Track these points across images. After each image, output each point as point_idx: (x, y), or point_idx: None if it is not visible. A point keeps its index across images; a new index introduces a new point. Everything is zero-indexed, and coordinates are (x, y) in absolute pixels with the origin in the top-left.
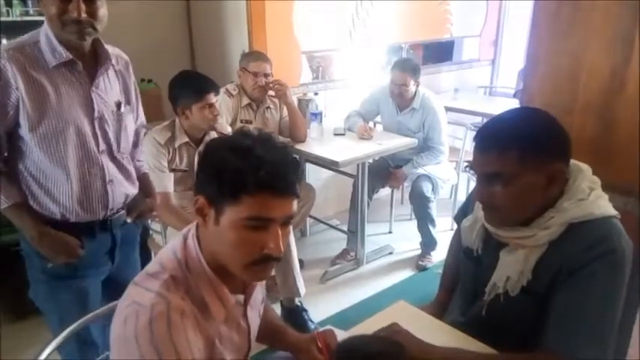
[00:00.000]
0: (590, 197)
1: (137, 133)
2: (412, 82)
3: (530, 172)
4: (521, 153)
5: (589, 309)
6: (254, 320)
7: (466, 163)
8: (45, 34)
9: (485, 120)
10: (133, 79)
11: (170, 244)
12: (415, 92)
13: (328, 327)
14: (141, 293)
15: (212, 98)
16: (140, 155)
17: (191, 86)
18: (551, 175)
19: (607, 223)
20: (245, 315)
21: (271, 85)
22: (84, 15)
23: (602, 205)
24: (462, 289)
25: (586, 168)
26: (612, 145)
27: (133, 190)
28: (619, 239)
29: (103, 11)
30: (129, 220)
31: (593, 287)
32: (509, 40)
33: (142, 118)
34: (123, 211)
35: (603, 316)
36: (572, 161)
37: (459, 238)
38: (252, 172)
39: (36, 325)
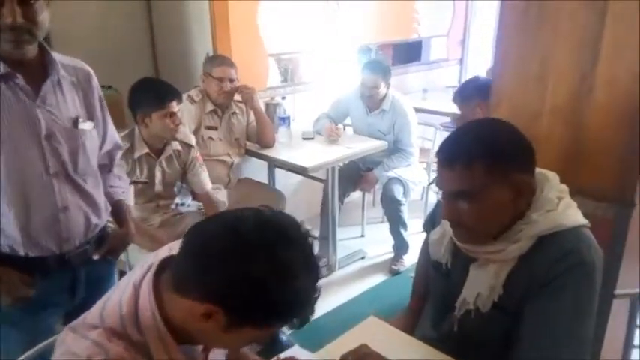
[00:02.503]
0: (559, 208)
1: (110, 156)
2: (383, 84)
3: (496, 186)
4: (487, 166)
5: (560, 322)
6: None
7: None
8: None
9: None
10: (97, 93)
11: (118, 292)
12: (385, 94)
13: (295, 346)
14: (77, 341)
15: (174, 107)
16: (114, 181)
17: (152, 93)
18: (518, 188)
19: (576, 234)
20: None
21: (238, 88)
22: (20, 20)
23: (571, 215)
24: (432, 301)
25: (552, 176)
26: (581, 150)
27: (97, 219)
28: (588, 250)
29: (43, 15)
30: (95, 257)
31: (564, 300)
32: (477, 39)
33: (116, 138)
34: (88, 246)
35: (576, 328)
36: (538, 170)
37: (427, 248)
38: (294, 314)
39: None
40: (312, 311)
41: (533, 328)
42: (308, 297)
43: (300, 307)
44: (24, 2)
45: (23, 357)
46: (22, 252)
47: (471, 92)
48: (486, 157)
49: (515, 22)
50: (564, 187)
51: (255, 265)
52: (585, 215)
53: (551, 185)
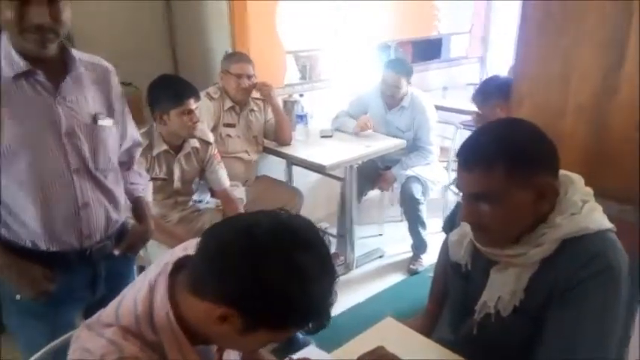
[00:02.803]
0: (584, 211)
1: (130, 153)
2: (405, 83)
3: (518, 189)
4: (508, 168)
5: (585, 329)
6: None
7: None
8: (2, 44)
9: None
10: (117, 90)
11: (133, 291)
12: (406, 91)
13: (311, 346)
14: (92, 338)
15: (191, 104)
16: (135, 178)
17: (170, 91)
18: (541, 190)
19: (602, 238)
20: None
21: (256, 85)
22: (47, 20)
23: (597, 219)
24: (451, 304)
25: (577, 178)
26: (606, 150)
27: (117, 215)
28: (614, 255)
29: (66, 14)
30: (115, 253)
31: (589, 306)
32: (499, 36)
33: (136, 135)
34: (108, 241)
35: (600, 335)
36: (562, 172)
37: (447, 249)
38: (309, 318)
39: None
40: (328, 316)
41: (556, 333)
42: (324, 302)
43: (316, 312)
44: (50, 2)
45: (45, 350)
46: (43, 247)
47: (490, 92)
48: (507, 159)
49: (537, 19)
50: (589, 190)
51: (271, 269)
52: (609, 218)
53: (576, 188)
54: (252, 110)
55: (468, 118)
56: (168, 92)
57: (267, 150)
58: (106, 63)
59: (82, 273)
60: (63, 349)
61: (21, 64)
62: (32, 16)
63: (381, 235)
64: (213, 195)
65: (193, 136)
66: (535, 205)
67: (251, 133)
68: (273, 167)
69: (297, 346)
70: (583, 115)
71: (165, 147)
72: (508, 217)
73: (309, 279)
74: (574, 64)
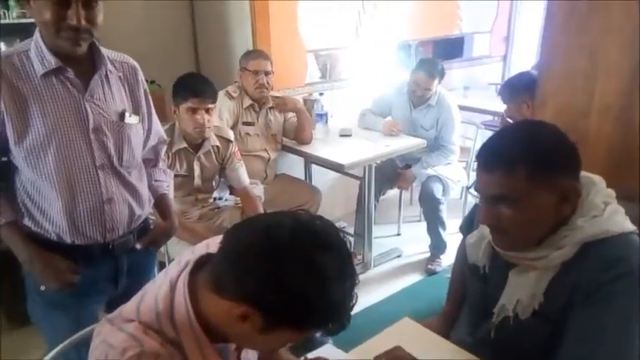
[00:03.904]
0: (606, 213)
1: (155, 150)
2: (436, 85)
3: (540, 191)
4: (530, 170)
5: (606, 334)
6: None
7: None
8: (35, 41)
9: (497, 119)
10: (143, 88)
11: (154, 288)
12: (435, 90)
13: (328, 344)
14: (114, 332)
15: (198, 103)
16: (160, 175)
17: (184, 86)
18: (563, 193)
19: (624, 241)
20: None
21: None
22: (83, 22)
23: (619, 221)
24: (469, 305)
25: (599, 180)
26: (632, 151)
27: (140, 210)
28: (637, 258)
29: (101, 17)
30: (138, 247)
31: (610, 310)
32: (522, 35)
33: (161, 132)
34: (131, 236)
35: (622, 341)
36: (584, 173)
37: (464, 251)
38: (329, 320)
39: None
40: (348, 318)
41: (577, 338)
42: (344, 304)
43: (336, 313)
44: (87, 5)
45: (68, 341)
46: (68, 240)
47: (519, 88)
48: (528, 161)
49: (563, 17)
50: (611, 192)
51: (292, 270)
52: (632, 220)
53: (598, 189)
54: (271, 108)
55: (490, 118)
56: (181, 87)
57: (286, 148)
58: (133, 61)
59: (104, 266)
60: (86, 341)
61: (52, 61)
62: (69, 17)
63: (399, 234)
64: (232, 192)
65: (203, 137)
66: (557, 208)
67: (270, 132)
68: (292, 166)
69: (314, 343)
70: (609, 115)
71: (184, 144)
72: (529, 219)
73: (329, 280)
74: (600, 62)
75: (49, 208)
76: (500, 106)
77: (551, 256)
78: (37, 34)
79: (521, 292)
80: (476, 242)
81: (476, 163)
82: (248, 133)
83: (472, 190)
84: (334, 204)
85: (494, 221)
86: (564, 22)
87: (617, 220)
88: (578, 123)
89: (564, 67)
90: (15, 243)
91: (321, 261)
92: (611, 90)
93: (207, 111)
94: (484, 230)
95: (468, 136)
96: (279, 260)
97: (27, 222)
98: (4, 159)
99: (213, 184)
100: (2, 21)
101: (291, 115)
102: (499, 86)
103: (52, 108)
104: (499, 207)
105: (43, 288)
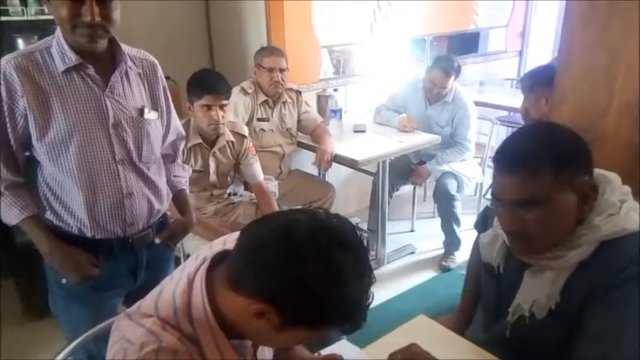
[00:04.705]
0: (622, 211)
1: (174, 146)
2: (452, 82)
3: (563, 193)
4: (555, 171)
5: (624, 333)
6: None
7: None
8: (56, 38)
9: (512, 114)
10: (162, 84)
11: (172, 284)
12: (451, 87)
13: (343, 340)
14: (132, 328)
15: (212, 100)
16: (178, 170)
17: (198, 82)
18: (584, 192)
19: None
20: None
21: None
22: (98, 19)
23: (635, 219)
24: (484, 304)
25: (614, 177)
26: None
27: (159, 205)
28: None
29: (116, 13)
30: (157, 241)
31: (628, 310)
32: (538, 30)
33: (179, 128)
34: (150, 230)
35: (638, 340)
36: (599, 171)
37: (478, 248)
38: (345, 318)
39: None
40: (364, 317)
41: (594, 337)
42: (360, 303)
43: (352, 313)
44: (101, 1)
45: (87, 334)
46: (89, 234)
47: (542, 82)
48: (552, 162)
49: (582, 12)
50: (627, 189)
51: (308, 268)
52: None
53: (613, 187)
54: (285, 102)
55: (505, 113)
56: (196, 84)
57: (300, 144)
58: (152, 57)
59: (124, 260)
60: (105, 334)
61: (72, 58)
62: (84, 14)
63: (412, 231)
64: (247, 188)
65: (217, 133)
66: (578, 208)
67: (284, 126)
68: (306, 161)
69: (329, 339)
70: (629, 113)
71: (199, 140)
72: (554, 222)
73: (346, 280)
74: (620, 57)
75: (70, 202)
76: (516, 102)
77: (568, 256)
78: (58, 31)
79: (537, 293)
80: (490, 242)
81: (491, 159)
82: (263, 129)
83: (488, 196)
84: (348, 200)
85: (520, 227)
86: (585, 18)
87: (633, 217)
88: (597, 120)
89: (584, 63)
90: (37, 236)
91: (338, 260)
92: (631, 87)
93: (222, 107)
94: (498, 230)
95: (483, 132)
96: (296, 259)
97: (49, 216)
98: (27, 154)
99: (228, 179)
100: (20, 18)
101: (305, 109)
102: (515, 81)
103: (73, 104)
104: (524, 212)
105: (63, 281)
